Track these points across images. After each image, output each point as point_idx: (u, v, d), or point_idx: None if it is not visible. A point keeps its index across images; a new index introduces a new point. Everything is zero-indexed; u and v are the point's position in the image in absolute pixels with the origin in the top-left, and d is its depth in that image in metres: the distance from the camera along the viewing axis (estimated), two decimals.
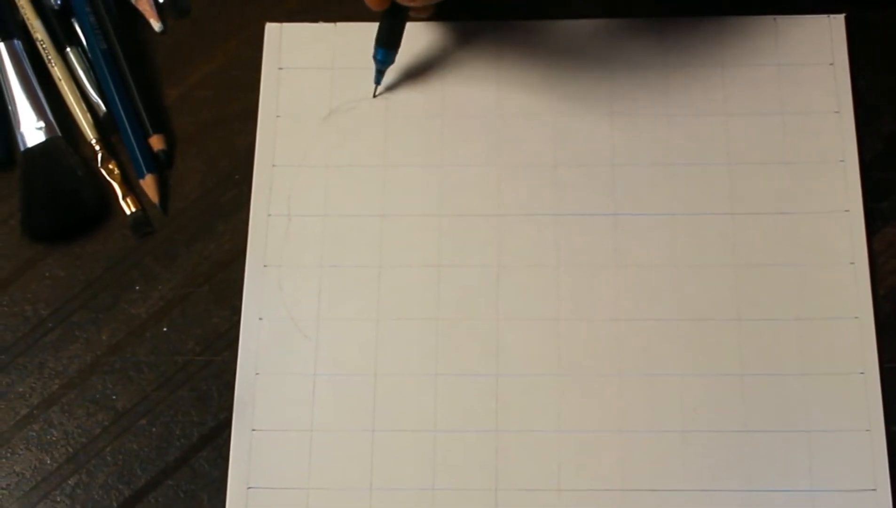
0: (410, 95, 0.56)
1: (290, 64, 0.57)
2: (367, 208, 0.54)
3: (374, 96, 0.55)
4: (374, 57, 0.54)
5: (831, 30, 0.55)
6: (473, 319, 0.52)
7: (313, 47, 0.57)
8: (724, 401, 0.50)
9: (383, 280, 0.53)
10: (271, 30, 0.57)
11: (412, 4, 0.50)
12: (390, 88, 0.56)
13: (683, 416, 0.50)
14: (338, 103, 0.56)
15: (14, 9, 0.58)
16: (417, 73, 0.56)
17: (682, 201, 0.53)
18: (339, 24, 0.57)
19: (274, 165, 0.55)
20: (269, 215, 0.54)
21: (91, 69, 0.57)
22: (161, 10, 0.59)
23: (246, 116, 0.56)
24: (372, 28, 0.56)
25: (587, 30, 0.56)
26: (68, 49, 0.58)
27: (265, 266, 0.53)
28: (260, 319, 0.52)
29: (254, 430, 0.50)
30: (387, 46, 0.54)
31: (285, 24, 0.57)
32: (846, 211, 0.52)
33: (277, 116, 0.56)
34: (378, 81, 0.55)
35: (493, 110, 0.55)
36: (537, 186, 0.54)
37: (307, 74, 0.56)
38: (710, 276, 0.52)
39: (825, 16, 0.56)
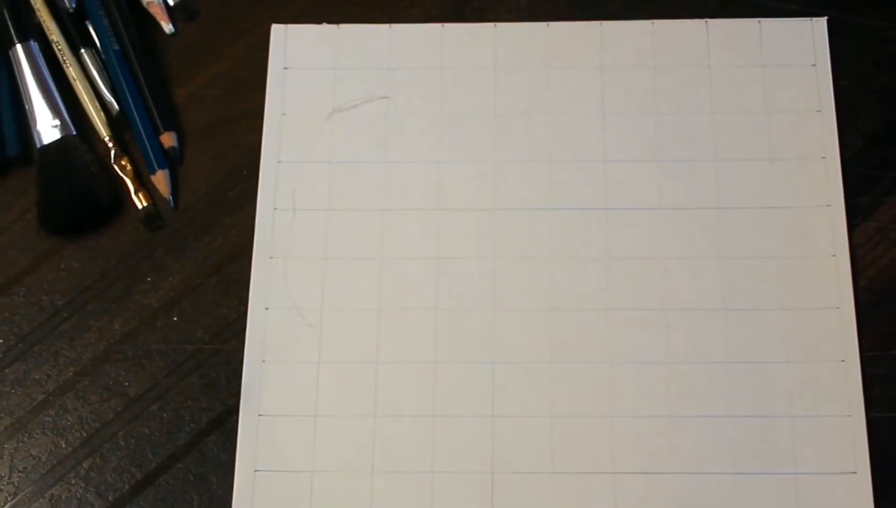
0: (410, 95, 0.56)
1: (295, 64, 0.57)
2: (369, 202, 0.54)
3: None
4: None
5: (814, 32, 0.56)
6: (471, 309, 0.52)
7: (317, 48, 0.57)
8: (711, 388, 0.50)
9: (384, 272, 0.53)
10: (277, 31, 0.58)
11: None
12: (391, 88, 0.56)
13: (671, 402, 0.50)
14: (340, 102, 0.56)
15: (30, 11, 0.58)
16: (417, 73, 0.56)
17: (670, 195, 0.53)
18: (343, 26, 0.57)
19: (279, 161, 0.55)
20: (275, 209, 0.54)
21: (104, 69, 0.58)
22: (171, 13, 0.59)
23: (253, 115, 0.56)
24: (373, 29, 0.57)
25: (581, 32, 0.57)
26: (82, 50, 0.58)
27: (271, 258, 0.53)
28: (266, 309, 0.53)
29: (260, 415, 0.51)
30: None
31: (290, 26, 0.58)
32: (828, 206, 0.53)
33: (283, 114, 0.56)
34: None
35: (489, 109, 0.56)
36: (532, 182, 0.54)
37: (311, 74, 0.57)
38: (697, 268, 0.52)
39: (808, 19, 0.56)
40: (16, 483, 0.51)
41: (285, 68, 0.57)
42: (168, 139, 0.56)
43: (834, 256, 0.52)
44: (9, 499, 0.51)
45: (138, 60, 0.57)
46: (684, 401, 0.50)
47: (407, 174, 0.55)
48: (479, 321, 0.52)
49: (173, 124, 0.57)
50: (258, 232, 0.54)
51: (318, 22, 0.58)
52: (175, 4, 0.59)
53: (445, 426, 0.50)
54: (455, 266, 0.53)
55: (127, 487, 0.51)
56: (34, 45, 0.57)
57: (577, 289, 0.52)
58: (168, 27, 0.59)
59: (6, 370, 0.53)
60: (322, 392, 0.51)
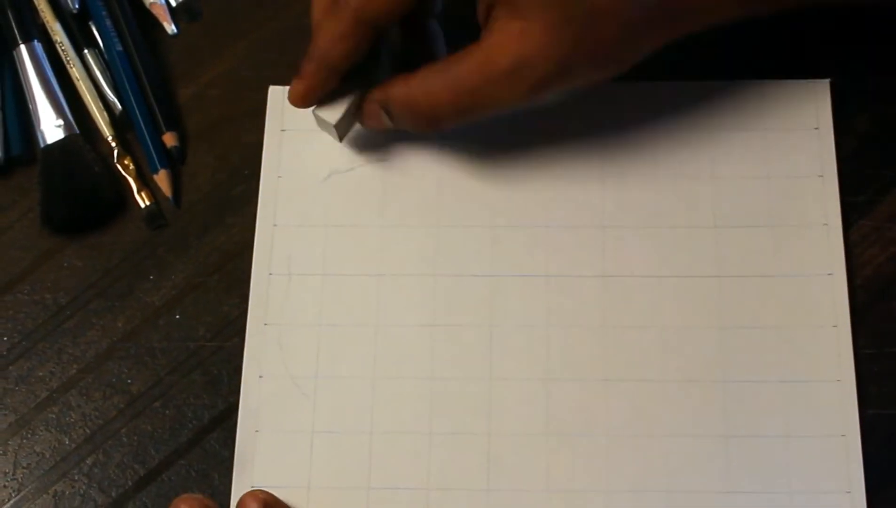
0: (407, 158, 0.55)
1: (292, 126, 0.56)
2: (365, 267, 0.53)
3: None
4: None
5: (816, 95, 0.54)
6: (466, 378, 0.51)
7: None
8: (709, 462, 0.49)
9: (379, 339, 0.52)
10: (274, 92, 0.56)
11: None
12: (388, 150, 0.55)
13: (669, 477, 0.49)
14: (338, 164, 0.55)
15: (34, 13, 0.58)
16: (414, 136, 0.55)
17: (669, 262, 0.52)
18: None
19: (275, 225, 0.54)
20: (270, 275, 0.53)
21: (107, 70, 0.58)
22: (174, 14, 0.59)
23: (254, 114, 0.56)
24: None
25: (580, 95, 0.54)
26: (86, 51, 0.58)
27: (265, 325, 0.52)
28: (260, 377, 0.52)
29: (253, 486, 0.50)
30: None
31: (288, 88, 0.56)
32: (829, 274, 0.52)
33: (279, 177, 0.55)
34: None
35: (487, 173, 0.54)
36: (529, 248, 0.53)
37: (308, 136, 0.55)
38: (695, 337, 0.51)
39: (810, 81, 0.55)
40: (20, 480, 0.51)
41: (282, 130, 0.56)
42: (170, 139, 0.56)
43: (835, 326, 0.51)
44: (13, 495, 0.51)
45: (141, 61, 0.57)
46: (681, 476, 0.49)
47: (403, 239, 0.53)
48: (474, 391, 0.51)
49: (175, 124, 0.57)
50: (253, 298, 0.53)
51: None
52: (177, 5, 0.59)
53: (440, 499, 0.49)
54: (450, 334, 0.52)
55: (130, 483, 0.51)
56: (38, 45, 0.57)
57: (573, 358, 0.51)
58: (170, 28, 0.59)
59: (10, 368, 0.53)
60: (315, 463, 0.50)
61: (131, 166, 0.56)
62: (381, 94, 0.50)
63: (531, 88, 0.47)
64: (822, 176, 0.53)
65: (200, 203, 0.56)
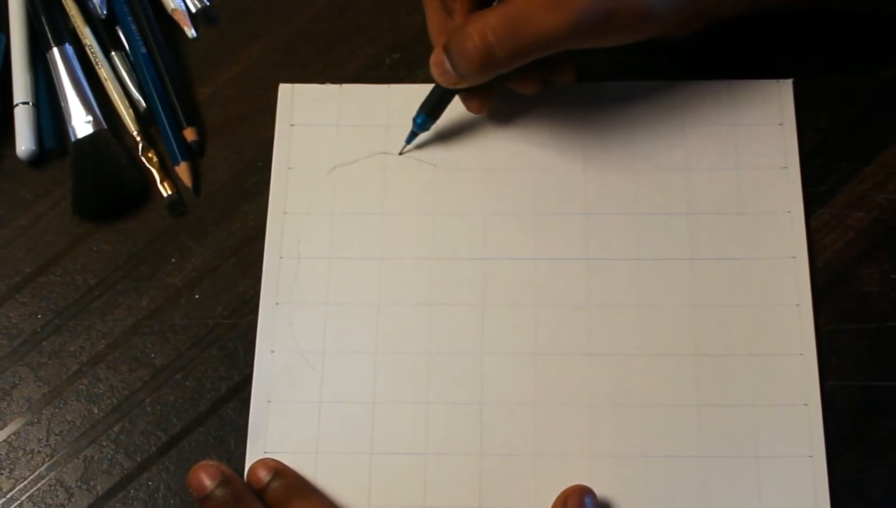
0: (404, 152, 0.56)
1: (300, 121, 0.57)
2: (368, 251, 0.54)
3: (400, 153, 0.56)
4: (414, 120, 0.54)
5: (780, 93, 0.56)
6: (460, 352, 0.52)
7: (321, 106, 0.57)
8: (683, 429, 0.50)
9: (381, 317, 0.53)
10: (284, 89, 0.57)
11: (453, 86, 0.51)
12: (389, 144, 0.56)
13: (646, 442, 0.50)
14: (342, 157, 0.56)
15: (66, 18, 0.59)
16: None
17: (646, 246, 0.53)
18: (344, 86, 0.58)
19: (285, 213, 0.55)
20: (281, 258, 0.54)
21: (133, 70, 0.59)
22: (193, 19, 0.60)
23: (267, 111, 0.57)
24: (372, 89, 0.57)
25: (566, 90, 0.56)
26: (113, 53, 0.59)
27: (277, 304, 0.53)
28: (272, 351, 0.53)
29: (266, 452, 0.51)
30: (428, 114, 0.54)
31: (297, 85, 0.57)
32: (793, 258, 0.53)
33: (289, 168, 0.56)
34: (409, 141, 0.55)
35: (479, 165, 0.55)
36: (518, 233, 0.54)
37: (315, 131, 0.57)
38: (671, 315, 0.52)
39: (775, 80, 0.56)
40: (52, 446, 0.52)
41: (292, 125, 0.57)
42: (190, 134, 0.57)
43: (798, 305, 0.52)
44: (46, 460, 0.52)
45: (164, 62, 0.58)
46: (658, 442, 0.50)
47: (403, 225, 0.55)
48: (468, 364, 0.52)
49: (195, 120, 0.58)
50: (265, 279, 0.54)
51: (326, 30, 0.59)
52: (197, 11, 0.60)
53: (437, 463, 0.50)
54: (446, 312, 0.53)
55: (153, 448, 0.52)
56: (69, 48, 0.58)
57: (559, 335, 0.52)
58: (190, 32, 0.60)
59: (44, 343, 0.54)
60: (323, 431, 0.51)
61: (155, 159, 0.57)
62: (445, 39, 0.50)
63: (575, 16, 0.47)
64: (785, 167, 0.55)
65: (218, 193, 0.57)
